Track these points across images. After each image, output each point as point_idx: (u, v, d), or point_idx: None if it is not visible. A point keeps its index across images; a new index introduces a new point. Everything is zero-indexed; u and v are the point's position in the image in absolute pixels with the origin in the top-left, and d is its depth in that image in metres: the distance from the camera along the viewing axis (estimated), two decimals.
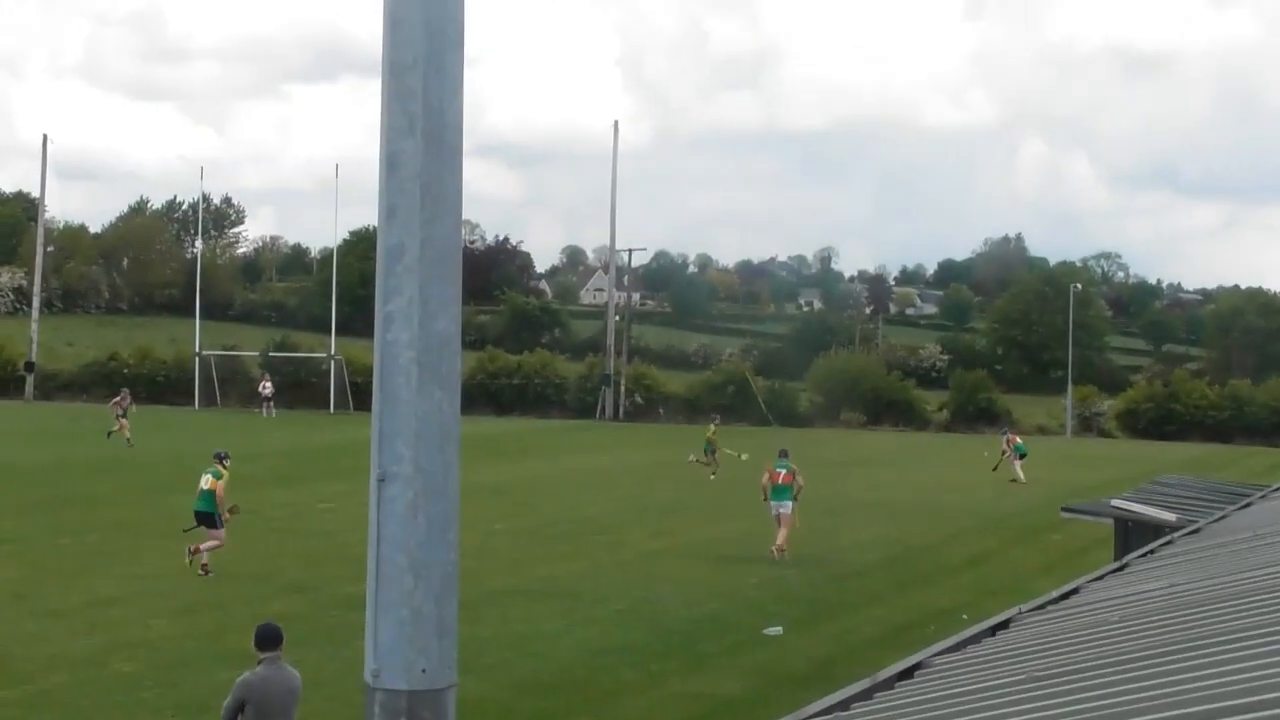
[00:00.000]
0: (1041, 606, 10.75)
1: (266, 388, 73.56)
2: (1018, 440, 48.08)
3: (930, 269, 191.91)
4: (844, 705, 7.74)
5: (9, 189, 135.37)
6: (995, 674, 7.61)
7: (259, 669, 10.70)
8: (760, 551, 27.69)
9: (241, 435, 47.02)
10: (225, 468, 24.63)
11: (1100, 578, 12.43)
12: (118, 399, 52.66)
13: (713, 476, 43.24)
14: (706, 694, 17.19)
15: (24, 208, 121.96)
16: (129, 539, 27.74)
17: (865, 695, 7.96)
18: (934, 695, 7.38)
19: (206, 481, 24.30)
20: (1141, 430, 77.81)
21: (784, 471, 28.21)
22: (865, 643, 20.32)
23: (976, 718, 6.30)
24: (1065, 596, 11.23)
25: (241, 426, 47.49)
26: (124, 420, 50.55)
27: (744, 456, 43.67)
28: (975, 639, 9.54)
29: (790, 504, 27.79)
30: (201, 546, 23.84)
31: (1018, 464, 46.06)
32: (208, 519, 24.05)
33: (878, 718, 7.07)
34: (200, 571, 23.51)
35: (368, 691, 9.44)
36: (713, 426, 47.69)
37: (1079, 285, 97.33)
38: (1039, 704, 6.30)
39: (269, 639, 10.83)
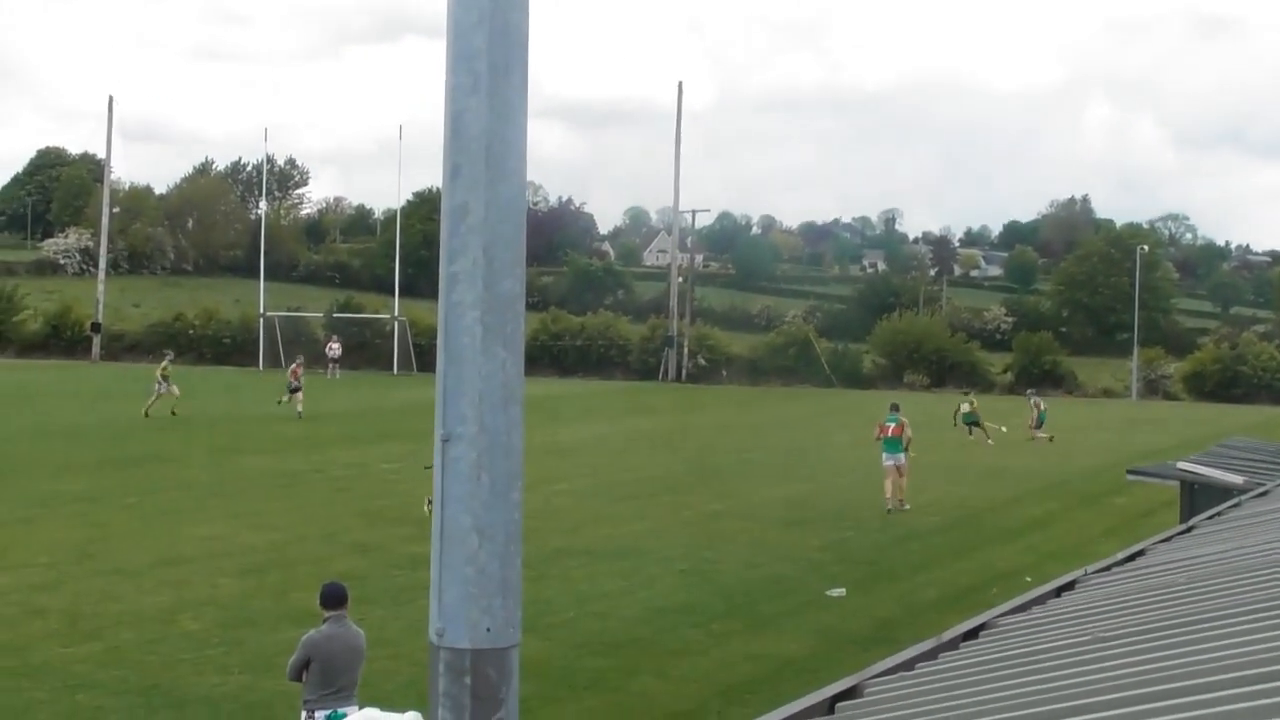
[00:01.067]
0: (1107, 568, 10.66)
1: (334, 349, 73.90)
2: (1043, 407, 48.37)
3: (995, 231, 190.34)
4: (909, 665, 7.72)
5: (75, 151, 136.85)
6: (1061, 635, 7.56)
7: (324, 627, 10.79)
8: (824, 513, 27.64)
9: (306, 396, 47.29)
10: None
11: (1166, 540, 12.32)
12: (294, 366, 49.21)
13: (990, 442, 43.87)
14: (769, 654, 17.20)
15: (90, 169, 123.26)
16: (195, 499, 28.05)
17: (930, 655, 7.94)
18: (999, 655, 7.35)
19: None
20: (1208, 393, 76.96)
21: (894, 424, 29.49)
22: (927, 604, 20.26)
23: (1042, 678, 6.27)
24: (1131, 559, 11.14)
25: (305, 387, 47.81)
26: (298, 393, 46.87)
27: (1003, 429, 45.07)
28: (1040, 600, 9.48)
29: (903, 456, 29.26)
30: None
31: (1037, 429, 46.65)
32: None
33: (943, 678, 7.04)
34: None
35: (432, 650, 9.51)
36: (972, 398, 47.79)
37: (1145, 247, 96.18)
38: (1105, 665, 6.26)
39: (334, 598, 10.91)
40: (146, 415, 44.17)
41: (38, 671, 15.29)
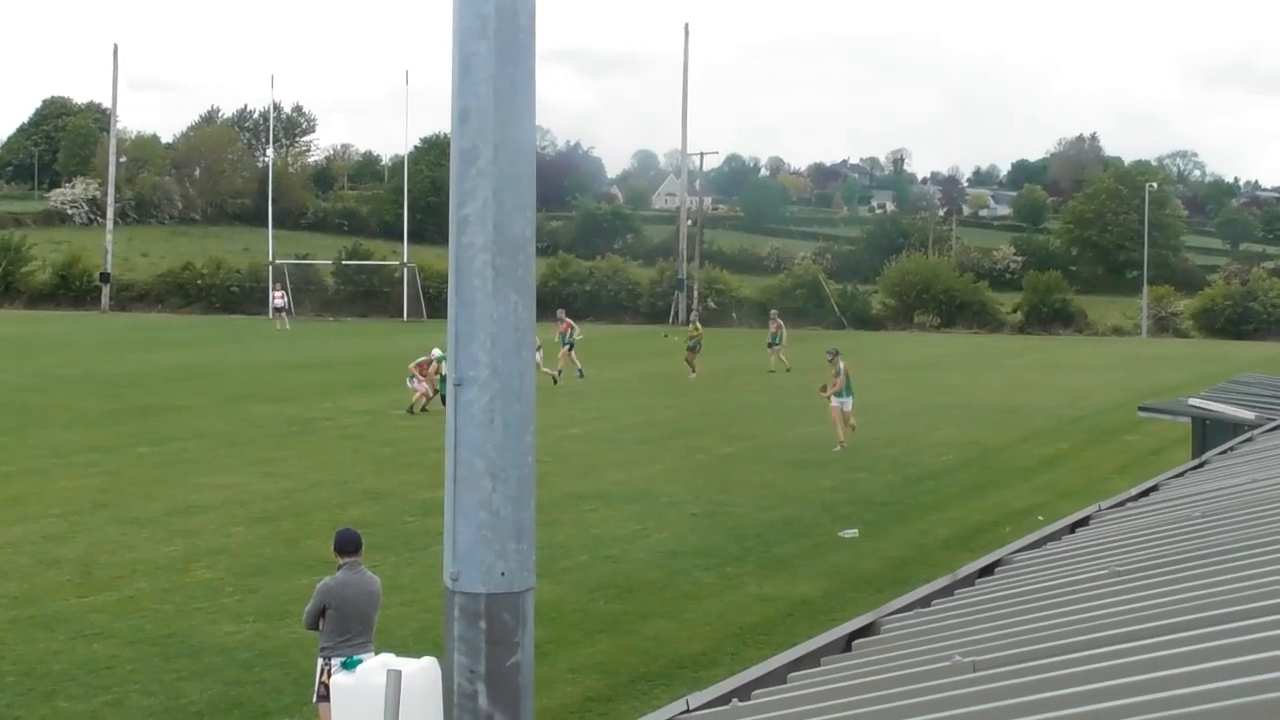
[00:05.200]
0: (1121, 504, 10.64)
1: (279, 298, 73.34)
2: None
3: (1004, 170, 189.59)
4: (925, 602, 7.72)
5: (81, 100, 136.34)
6: (1076, 569, 7.54)
7: (339, 574, 10.80)
8: (835, 455, 27.66)
9: (316, 343, 47.36)
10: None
11: (1179, 475, 12.30)
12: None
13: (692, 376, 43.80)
14: (782, 596, 17.23)
15: (96, 119, 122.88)
16: (207, 448, 28.10)
17: (946, 592, 7.93)
18: (1015, 591, 7.34)
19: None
20: (1218, 330, 76.88)
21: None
22: (940, 544, 20.28)
23: (1059, 612, 6.26)
24: (1144, 494, 11.12)
25: (315, 334, 47.78)
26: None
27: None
28: (1054, 536, 9.47)
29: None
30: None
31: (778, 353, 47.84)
32: None
33: (960, 613, 7.03)
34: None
35: (447, 595, 9.51)
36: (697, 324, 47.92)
37: (1154, 184, 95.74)
38: (1122, 598, 6.24)
39: (348, 544, 10.91)
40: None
41: (53, 621, 15.35)
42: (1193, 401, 21.26)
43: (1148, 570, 6.89)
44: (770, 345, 49.02)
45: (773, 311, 53.28)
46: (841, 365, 29.26)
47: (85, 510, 21.62)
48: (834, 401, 29.25)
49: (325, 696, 10.25)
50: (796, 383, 41.35)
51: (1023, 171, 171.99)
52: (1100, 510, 10.36)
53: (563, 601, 16.24)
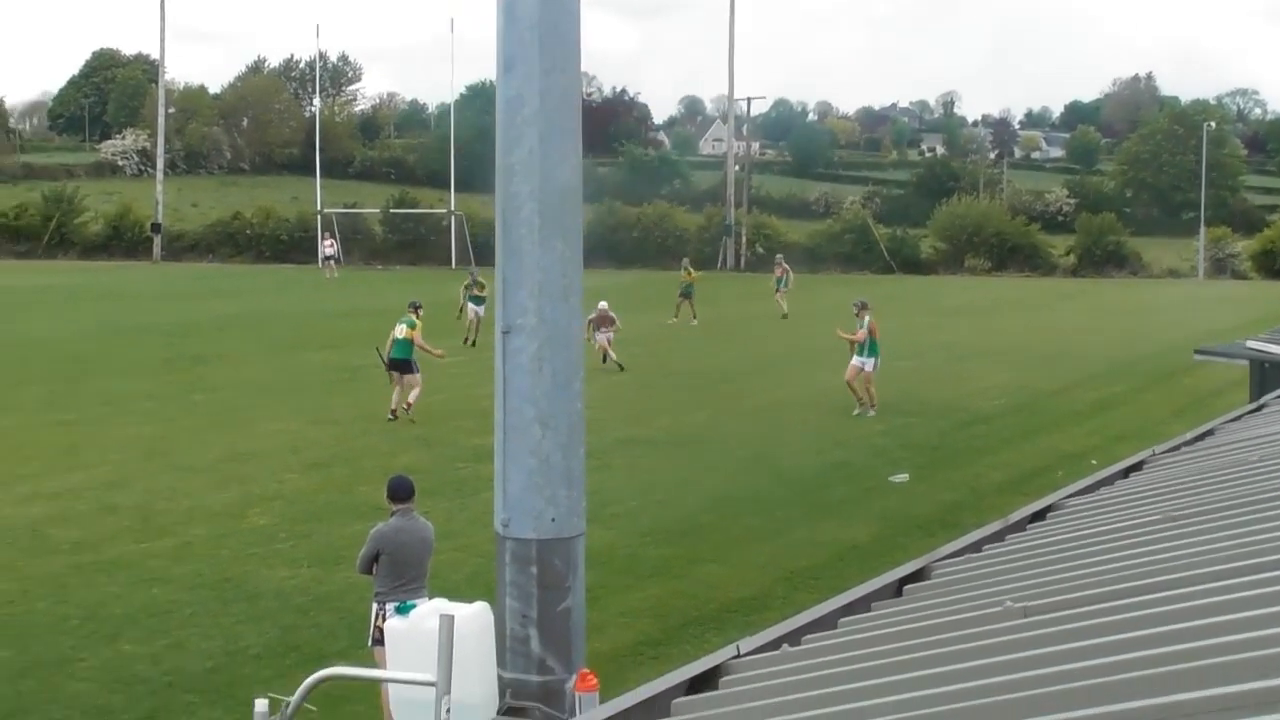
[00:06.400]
0: (1175, 448, 10.55)
1: (329, 246, 73.89)
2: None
3: (1056, 112, 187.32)
4: (976, 547, 7.68)
5: (129, 52, 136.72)
6: (1130, 514, 7.48)
7: (392, 520, 10.86)
8: (885, 399, 27.53)
9: (365, 292, 47.53)
10: (419, 316, 25.66)
11: (1236, 419, 12.17)
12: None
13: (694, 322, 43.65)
14: (833, 540, 17.23)
15: (144, 70, 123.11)
16: (259, 396, 28.30)
17: (997, 537, 7.89)
18: (1067, 536, 7.30)
19: (401, 331, 25.23)
20: (1278, 271, 75.89)
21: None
22: (992, 488, 20.22)
23: (1113, 557, 6.21)
24: (1200, 438, 11.01)
25: (364, 282, 47.80)
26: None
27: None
28: (1108, 481, 9.39)
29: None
30: (410, 400, 24.97)
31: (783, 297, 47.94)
32: (404, 365, 25.01)
33: (1011, 558, 7.00)
34: (410, 415, 24.81)
35: (498, 541, 9.58)
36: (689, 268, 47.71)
37: (1212, 123, 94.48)
38: (1176, 543, 6.19)
39: (401, 491, 10.96)
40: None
41: (112, 566, 15.55)
42: (1250, 344, 21.03)
43: (1203, 515, 6.82)
44: (777, 289, 48.98)
45: (778, 256, 54.23)
46: (867, 319, 26.78)
47: (141, 458, 21.86)
48: (854, 360, 26.74)
49: (380, 640, 10.35)
50: (846, 327, 41.16)
51: (1076, 113, 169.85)
52: (1154, 454, 10.27)
53: (613, 547, 16.31)
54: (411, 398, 25.02)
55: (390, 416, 24.95)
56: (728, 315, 45.83)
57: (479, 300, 37.72)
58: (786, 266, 51.55)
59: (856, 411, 26.44)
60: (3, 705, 11.48)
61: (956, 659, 4.88)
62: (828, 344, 38.39)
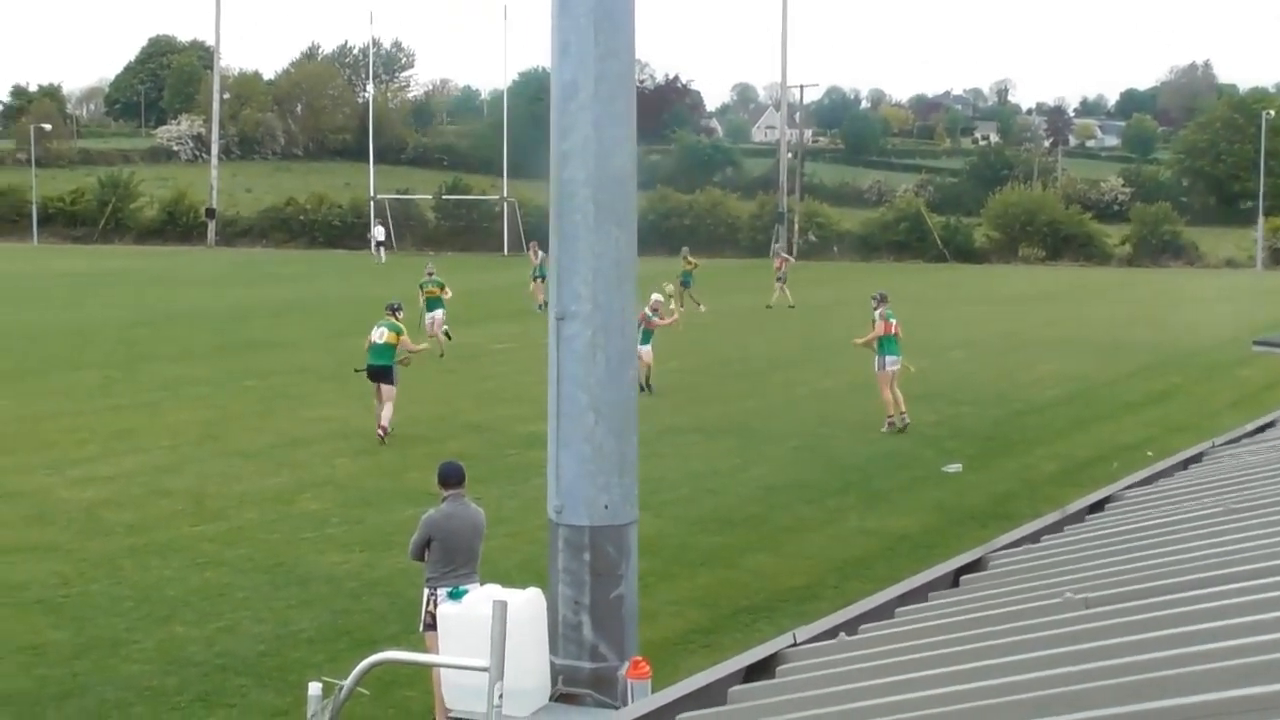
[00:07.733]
0: (1235, 440, 10.42)
1: (377, 233, 74.43)
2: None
3: (1111, 100, 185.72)
4: (1034, 538, 7.61)
5: (185, 39, 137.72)
6: (1189, 507, 7.39)
7: (444, 506, 10.86)
8: (938, 388, 27.37)
9: (417, 278, 47.53)
10: (399, 319, 23.01)
11: None
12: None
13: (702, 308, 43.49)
14: (884, 530, 17.14)
15: (199, 56, 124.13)
16: (311, 382, 28.44)
17: (1055, 528, 7.82)
18: (1125, 528, 7.21)
19: (382, 335, 22.36)
20: None
21: (895, 321, 24.49)
22: (1046, 479, 20.06)
23: (1173, 549, 6.13)
24: (1259, 430, 10.88)
25: (416, 269, 47.74)
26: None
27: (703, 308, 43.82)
28: (1166, 473, 9.29)
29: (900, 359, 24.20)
30: (385, 419, 21.95)
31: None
32: (384, 374, 22.12)
33: (1069, 549, 6.93)
34: (383, 437, 21.79)
35: (551, 527, 9.58)
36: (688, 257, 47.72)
37: (1271, 112, 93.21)
38: (1236, 536, 6.10)
39: (452, 477, 10.96)
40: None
41: (166, 549, 15.66)
42: None
43: (1263, 508, 6.72)
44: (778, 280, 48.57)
45: (776, 247, 55.08)
46: (883, 310, 24.49)
47: (194, 442, 22.01)
48: (878, 365, 23.96)
49: (432, 625, 10.36)
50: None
51: (1131, 101, 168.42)
52: (1213, 446, 10.16)
53: (664, 535, 16.28)
54: (386, 415, 21.92)
55: (380, 436, 21.87)
56: (779, 303, 45.67)
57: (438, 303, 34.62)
58: (787, 256, 52.80)
59: (884, 429, 23.56)
60: (59, 685, 11.58)
61: (1017, 650, 4.83)
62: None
